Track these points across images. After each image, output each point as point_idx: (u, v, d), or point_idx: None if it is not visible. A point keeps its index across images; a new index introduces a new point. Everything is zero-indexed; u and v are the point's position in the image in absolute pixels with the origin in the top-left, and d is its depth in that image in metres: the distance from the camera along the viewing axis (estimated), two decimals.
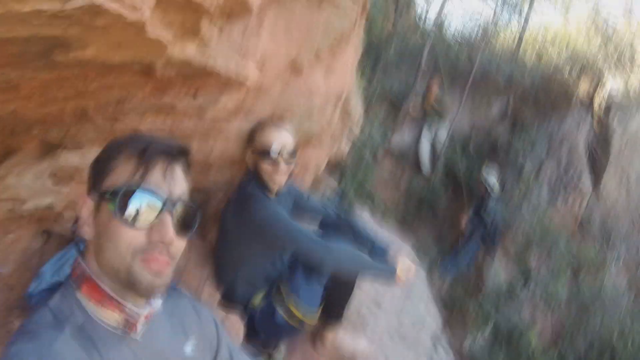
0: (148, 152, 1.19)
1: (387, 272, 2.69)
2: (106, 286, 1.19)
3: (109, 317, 1.19)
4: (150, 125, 2.18)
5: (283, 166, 2.63)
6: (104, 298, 1.19)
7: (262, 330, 2.75)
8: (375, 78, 9.71)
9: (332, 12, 2.68)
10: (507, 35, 12.60)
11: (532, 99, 10.46)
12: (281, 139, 2.64)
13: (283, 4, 2.34)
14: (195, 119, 2.33)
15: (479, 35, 11.91)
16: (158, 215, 1.17)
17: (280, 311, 2.70)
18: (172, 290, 1.40)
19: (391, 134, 9.93)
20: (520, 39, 11.64)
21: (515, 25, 12.35)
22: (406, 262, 2.78)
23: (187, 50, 1.69)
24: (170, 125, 2.26)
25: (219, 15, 1.75)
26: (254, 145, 2.66)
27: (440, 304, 6.44)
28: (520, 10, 11.87)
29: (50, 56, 1.42)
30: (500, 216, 8.41)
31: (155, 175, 1.19)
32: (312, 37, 2.62)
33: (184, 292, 1.54)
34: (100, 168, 1.23)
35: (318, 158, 3.93)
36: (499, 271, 8.33)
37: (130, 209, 1.15)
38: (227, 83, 2.14)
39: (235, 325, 2.59)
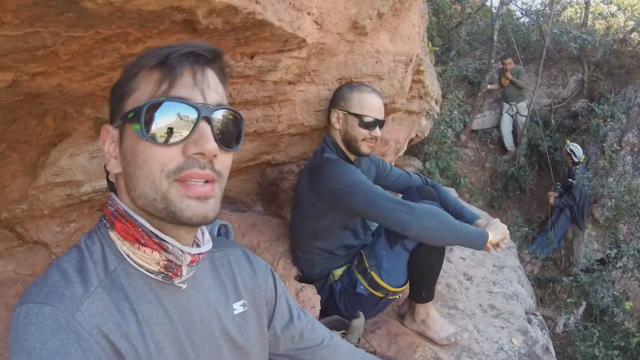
0: (171, 57, 0.94)
1: (479, 237, 2.32)
2: (144, 221, 0.96)
3: (148, 259, 0.97)
4: None
5: (377, 132, 2.45)
6: (141, 236, 0.96)
7: (342, 303, 2.50)
8: (451, 61, 9.39)
9: None
10: (573, 5, 12.09)
11: (606, 68, 9.97)
12: (380, 104, 2.47)
13: None
14: (257, 83, 2.11)
15: (547, 8, 11.25)
16: (194, 125, 0.93)
17: (362, 281, 2.44)
18: (225, 239, 1.17)
19: (473, 114, 9.58)
20: (587, 7, 11.02)
21: None
22: (499, 226, 2.42)
23: None
24: (230, 90, 2.04)
25: None
26: (347, 105, 2.44)
27: (534, 285, 6.06)
28: None
29: (78, 2, 1.22)
30: (587, 186, 7.85)
31: (184, 81, 0.95)
32: None
33: (237, 243, 1.31)
34: (120, 92, 1.00)
35: (397, 133, 3.71)
36: (589, 244, 7.80)
37: (159, 124, 0.92)
38: (284, 40, 1.89)
39: (311, 298, 2.36)
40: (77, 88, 1.64)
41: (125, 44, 1.53)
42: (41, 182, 1.89)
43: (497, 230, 2.39)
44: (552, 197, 8.15)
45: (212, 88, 0.98)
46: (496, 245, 2.39)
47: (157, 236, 0.96)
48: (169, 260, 0.98)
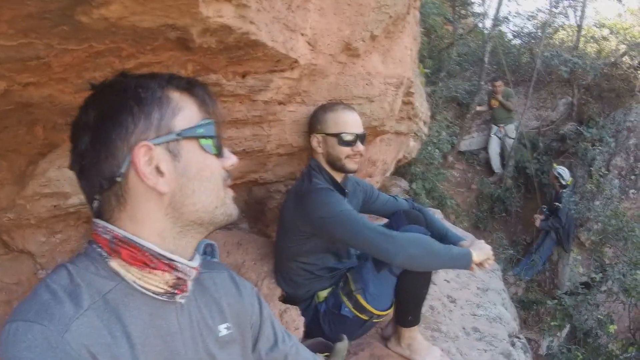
0: (192, 84, 1.09)
1: (462, 258, 2.32)
2: (151, 245, 0.98)
3: (157, 281, 0.99)
4: None
5: (360, 147, 2.46)
6: (149, 260, 0.98)
7: (326, 324, 2.49)
8: (440, 82, 9.43)
9: None
10: (565, 28, 12.11)
11: (596, 91, 10.05)
12: (356, 119, 2.48)
13: None
14: (248, 102, 2.11)
15: (539, 31, 11.35)
16: (220, 142, 1.10)
17: (347, 303, 2.44)
18: (211, 260, 1.20)
19: (461, 135, 9.61)
20: (579, 30, 11.14)
21: (572, 18, 11.81)
22: (484, 246, 2.44)
23: (224, 11, 1.45)
24: (221, 108, 2.03)
25: None
26: (324, 127, 2.46)
27: (517, 306, 6.07)
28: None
29: (73, 15, 1.22)
30: (574, 210, 7.87)
31: None
32: (364, 14, 2.33)
33: (224, 265, 1.32)
34: (158, 106, 1.03)
35: (385, 154, 3.70)
36: (575, 268, 7.85)
37: (215, 141, 1.07)
38: (277, 60, 1.89)
39: (294, 319, 2.36)
40: (68, 100, 1.63)
41: (119, 58, 1.52)
42: (29, 192, 1.88)
43: (481, 250, 2.40)
44: (538, 219, 8.13)
45: None
46: (480, 265, 2.39)
47: (165, 257, 0.99)
48: (178, 278, 1.01)
